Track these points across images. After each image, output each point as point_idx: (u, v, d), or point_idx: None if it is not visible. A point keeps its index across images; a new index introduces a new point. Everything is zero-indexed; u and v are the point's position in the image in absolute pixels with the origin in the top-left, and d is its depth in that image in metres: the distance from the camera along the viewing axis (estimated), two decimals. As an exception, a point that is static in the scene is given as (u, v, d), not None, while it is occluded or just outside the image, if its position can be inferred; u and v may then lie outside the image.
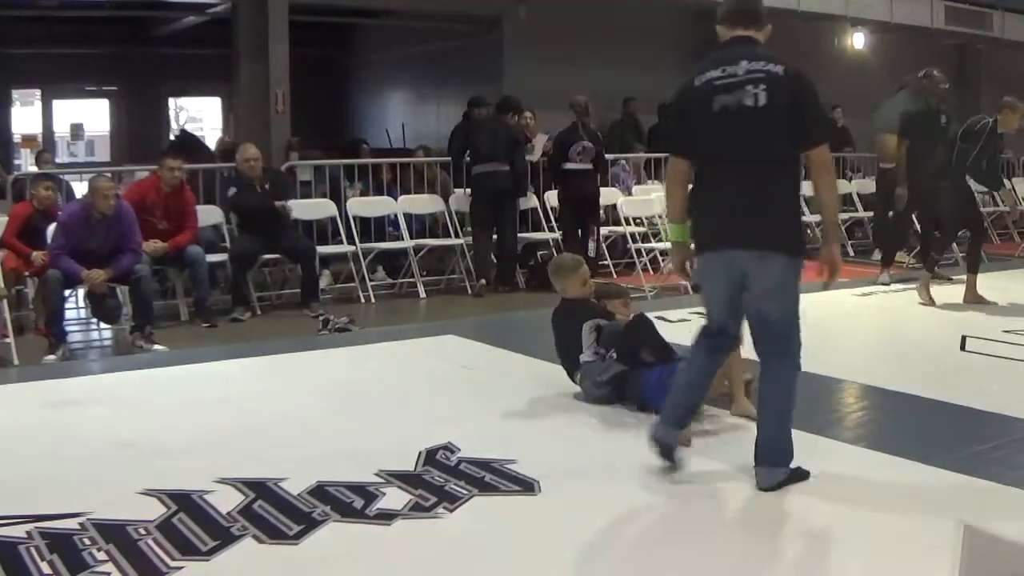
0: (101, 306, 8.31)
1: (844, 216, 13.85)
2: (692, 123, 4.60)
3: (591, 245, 10.90)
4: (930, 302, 9.19)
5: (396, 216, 10.81)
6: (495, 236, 10.80)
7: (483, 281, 10.59)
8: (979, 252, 9.70)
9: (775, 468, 4.49)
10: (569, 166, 10.87)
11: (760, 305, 4.63)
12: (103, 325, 8.69)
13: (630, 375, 5.71)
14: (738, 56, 4.56)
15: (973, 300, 9.30)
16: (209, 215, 9.81)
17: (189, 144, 14.94)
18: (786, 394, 4.63)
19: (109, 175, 8.77)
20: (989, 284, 9.96)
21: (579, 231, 10.89)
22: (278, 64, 13.18)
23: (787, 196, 4.60)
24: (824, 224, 4.88)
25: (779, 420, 4.57)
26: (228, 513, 4.21)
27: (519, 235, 11.12)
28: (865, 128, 13.63)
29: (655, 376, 5.54)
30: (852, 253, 13.51)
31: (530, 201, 11.39)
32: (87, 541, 3.92)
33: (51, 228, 8.24)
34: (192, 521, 4.13)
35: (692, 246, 4.70)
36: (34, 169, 12.18)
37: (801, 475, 4.54)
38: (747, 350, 5.03)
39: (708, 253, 4.64)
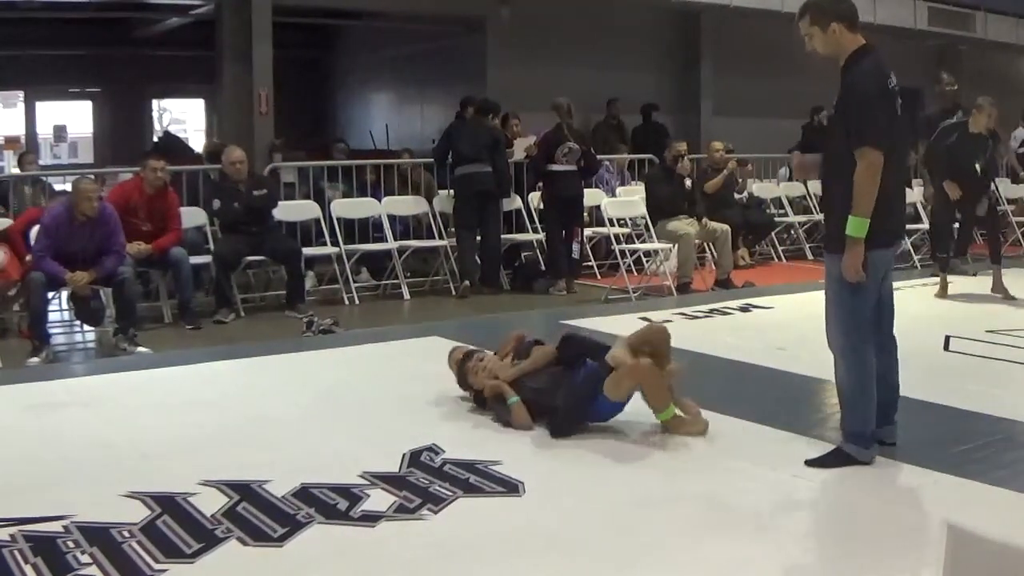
0: (85, 308, 8.29)
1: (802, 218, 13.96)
2: (891, 119, 4.70)
3: (575, 247, 10.91)
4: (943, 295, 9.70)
5: (380, 218, 10.81)
6: (479, 237, 10.81)
7: (467, 283, 10.58)
8: (996, 245, 10.02)
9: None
10: (554, 167, 10.86)
11: (889, 290, 5.12)
12: (87, 327, 8.66)
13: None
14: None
15: (999, 292, 9.61)
16: (193, 217, 9.78)
17: (173, 147, 14.92)
18: None
19: (92, 177, 8.75)
20: (976, 284, 10.02)
21: (563, 232, 10.90)
22: (262, 65, 13.15)
23: None
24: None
25: None
26: (212, 515, 4.20)
27: (503, 236, 11.13)
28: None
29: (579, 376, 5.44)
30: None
31: (514, 202, 11.40)
32: (71, 544, 3.90)
33: (34, 230, 8.22)
34: (176, 523, 4.12)
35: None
36: (17, 171, 12.14)
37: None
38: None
39: (886, 250, 4.85)
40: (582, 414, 5.32)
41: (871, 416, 4.78)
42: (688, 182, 11.11)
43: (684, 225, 10.77)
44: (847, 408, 4.84)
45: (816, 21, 4.81)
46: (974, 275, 10.55)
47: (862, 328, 4.79)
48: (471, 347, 6.12)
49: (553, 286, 10.84)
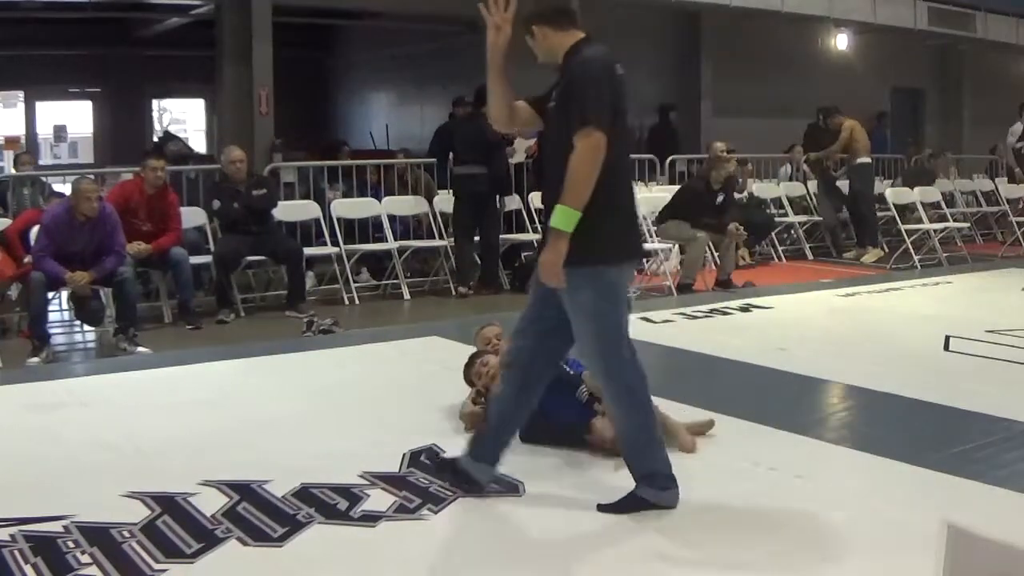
0: (84, 308, 8.29)
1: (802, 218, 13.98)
2: (619, 106, 4.16)
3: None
4: None
5: (380, 217, 10.80)
6: (478, 238, 10.80)
7: (463, 289, 10.54)
8: None
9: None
10: None
11: None
12: (87, 327, 8.66)
13: None
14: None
15: None
16: (193, 217, 9.78)
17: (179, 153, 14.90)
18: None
19: (92, 177, 8.74)
20: (976, 284, 10.03)
21: None
22: (262, 65, 13.16)
23: None
24: None
25: None
26: (212, 515, 4.20)
27: (504, 236, 11.12)
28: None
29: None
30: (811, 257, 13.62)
31: (514, 202, 11.40)
32: (71, 544, 3.90)
33: (34, 230, 8.22)
34: (176, 523, 4.12)
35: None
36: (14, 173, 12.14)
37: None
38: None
39: (627, 265, 4.38)
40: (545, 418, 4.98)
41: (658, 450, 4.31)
42: (721, 197, 10.93)
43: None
44: (628, 447, 4.36)
45: (527, 31, 4.43)
46: None
47: (623, 347, 4.22)
48: (495, 329, 5.94)
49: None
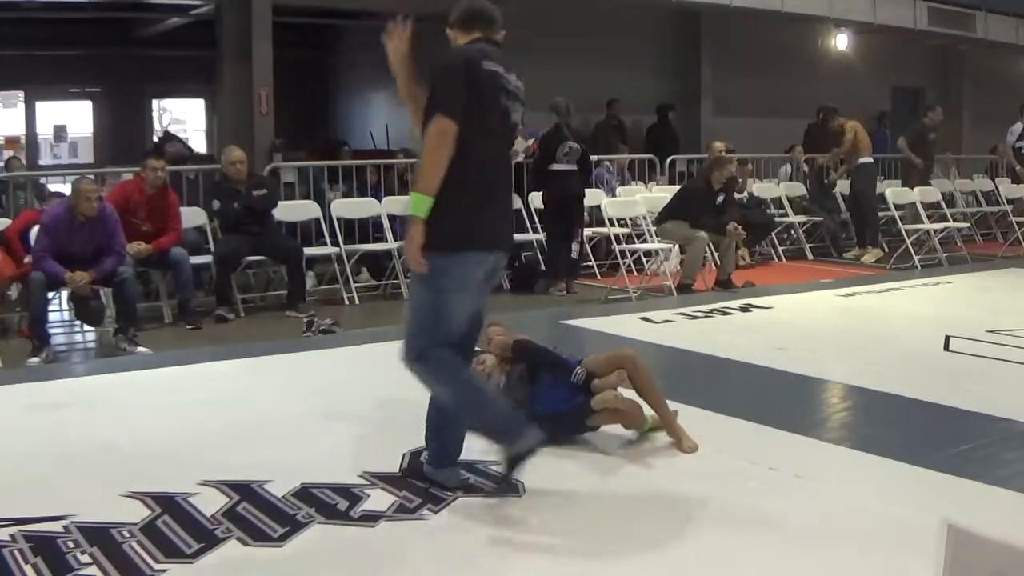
0: (85, 308, 8.29)
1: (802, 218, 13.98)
2: (482, 100, 4.26)
3: (574, 247, 10.91)
4: None
5: (380, 218, 10.80)
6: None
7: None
8: None
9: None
10: (555, 167, 10.85)
11: (482, 308, 4.59)
12: (87, 327, 8.66)
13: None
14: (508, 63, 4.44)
15: None
16: (193, 217, 9.78)
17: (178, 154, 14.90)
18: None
19: (92, 177, 8.74)
20: (976, 284, 10.03)
21: (564, 232, 10.88)
22: (262, 65, 13.15)
23: None
24: None
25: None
26: (212, 515, 4.20)
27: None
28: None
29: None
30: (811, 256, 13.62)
31: (514, 202, 11.38)
32: (71, 544, 3.90)
33: (34, 230, 8.22)
34: (176, 523, 4.12)
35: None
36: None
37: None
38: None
39: (480, 254, 4.37)
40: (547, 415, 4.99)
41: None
42: (722, 197, 10.93)
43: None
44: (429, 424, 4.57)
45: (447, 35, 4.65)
46: None
47: (437, 336, 4.32)
48: (496, 328, 5.89)
49: (553, 286, 10.83)
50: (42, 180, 11.34)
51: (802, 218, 14.04)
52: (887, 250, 13.25)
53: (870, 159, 13.36)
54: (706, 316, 8.97)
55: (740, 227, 10.70)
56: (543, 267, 11.30)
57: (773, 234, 13.40)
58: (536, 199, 11.49)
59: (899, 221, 13.09)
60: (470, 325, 4.46)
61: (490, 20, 4.55)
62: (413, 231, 4.16)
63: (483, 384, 4.54)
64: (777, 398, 6.25)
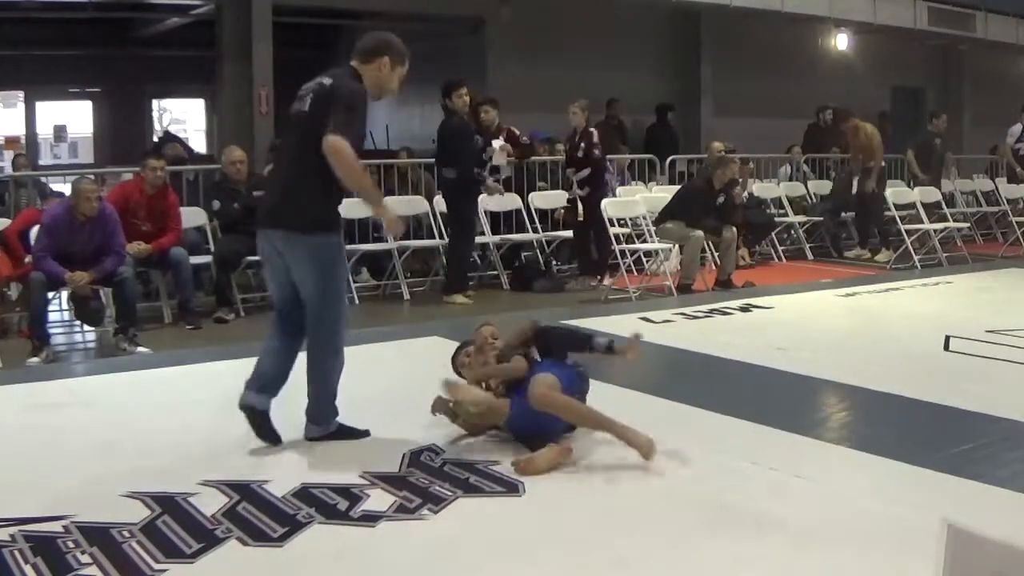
0: (84, 308, 8.29)
1: (802, 218, 13.98)
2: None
3: (591, 247, 10.94)
4: None
5: (380, 217, 10.76)
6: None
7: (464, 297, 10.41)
8: None
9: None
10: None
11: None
12: (87, 327, 8.66)
13: None
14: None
15: None
16: (193, 217, 9.78)
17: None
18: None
19: (92, 177, 8.74)
20: (976, 284, 10.02)
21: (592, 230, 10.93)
22: (262, 65, 13.16)
23: None
24: None
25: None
26: (212, 515, 4.20)
27: (504, 236, 11.11)
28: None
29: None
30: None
31: (514, 202, 11.39)
32: (71, 544, 3.90)
33: (34, 230, 8.22)
34: (176, 523, 4.12)
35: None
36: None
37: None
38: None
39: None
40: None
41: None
42: (722, 198, 10.92)
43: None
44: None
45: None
46: None
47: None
48: (490, 328, 5.85)
49: (584, 284, 10.94)
50: (43, 179, 11.33)
51: (802, 218, 14.05)
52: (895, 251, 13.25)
53: (882, 161, 13.38)
54: (706, 316, 8.97)
55: (733, 227, 10.73)
56: (543, 267, 11.33)
57: (773, 234, 13.41)
58: (536, 199, 11.49)
59: (898, 221, 13.08)
60: None
61: (378, 49, 5.47)
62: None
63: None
64: (777, 398, 6.24)
